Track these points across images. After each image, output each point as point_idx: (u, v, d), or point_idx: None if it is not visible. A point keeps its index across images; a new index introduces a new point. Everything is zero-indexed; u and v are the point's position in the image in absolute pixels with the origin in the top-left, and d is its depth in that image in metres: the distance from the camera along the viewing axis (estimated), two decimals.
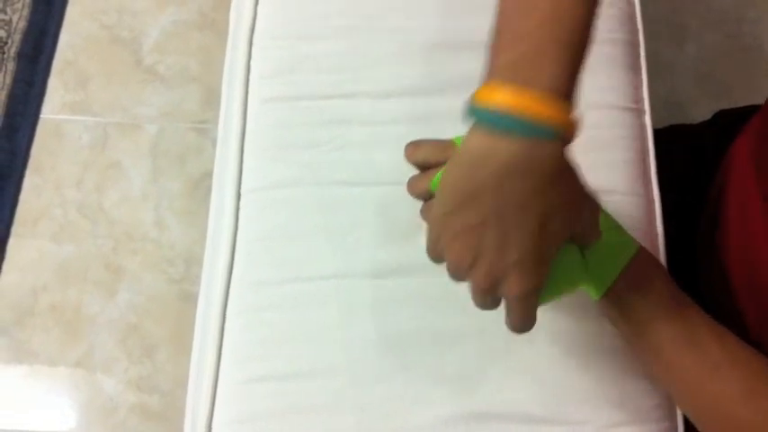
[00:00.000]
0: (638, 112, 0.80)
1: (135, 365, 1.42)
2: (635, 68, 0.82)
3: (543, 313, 0.69)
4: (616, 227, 0.57)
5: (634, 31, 0.84)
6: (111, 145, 1.57)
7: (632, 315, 0.56)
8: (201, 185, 1.51)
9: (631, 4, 0.85)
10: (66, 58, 1.66)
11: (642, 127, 0.80)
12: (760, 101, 0.77)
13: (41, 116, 1.60)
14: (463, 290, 0.70)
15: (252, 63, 0.81)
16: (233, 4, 0.85)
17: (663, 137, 0.90)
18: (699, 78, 1.72)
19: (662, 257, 0.74)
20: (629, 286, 0.55)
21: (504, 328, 0.68)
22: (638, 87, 0.82)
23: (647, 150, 0.79)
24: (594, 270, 0.55)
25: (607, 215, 0.57)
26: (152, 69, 1.63)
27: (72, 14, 1.69)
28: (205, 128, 1.54)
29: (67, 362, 1.44)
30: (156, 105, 1.60)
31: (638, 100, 0.81)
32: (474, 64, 0.81)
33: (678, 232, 0.81)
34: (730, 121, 0.85)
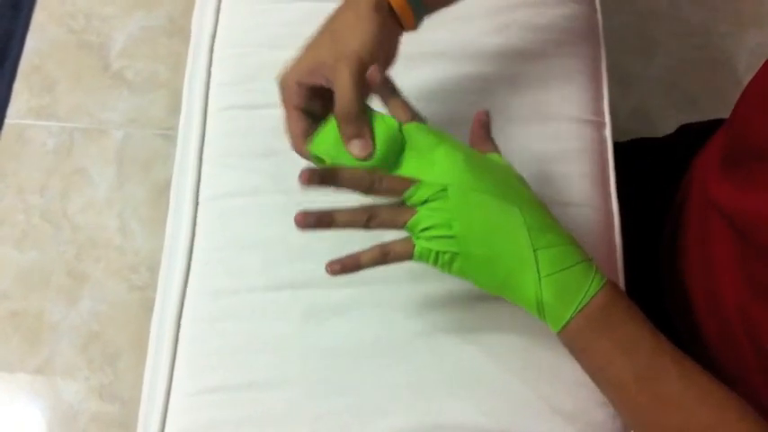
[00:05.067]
0: (598, 125, 0.81)
1: (96, 373, 1.40)
2: (596, 81, 0.83)
3: (497, 324, 0.69)
4: (585, 260, 0.55)
5: (596, 45, 0.85)
6: (76, 151, 1.55)
7: (594, 351, 0.54)
8: (167, 192, 1.48)
9: (594, 18, 0.86)
10: (32, 63, 1.64)
11: (602, 140, 0.80)
12: (725, 114, 0.78)
13: (6, 121, 1.58)
14: (420, 300, 0.70)
15: (213, 70, 0.81)
16: (195, 12, 0.84)
17: (626, 150, 0.91)
18: (667, 90, 1.73)
19: (620, 271, 0.74)
20: (590, 322, 0.53)
21: (458, 339, 0.68)
22: (598, 100, 0.82)
23: (607, 163, 0.79)
24: (553, 303, 0.53)
25: (576, 249, 0.55)
26: (119, 75, 1.62)
27: (39, 18, 1.67)
28: (171, 134, 1.53)
29: (28, 369, 1.42)
30: (123, 111, 1.58)
31: (599, 113, 0.81)
32: (434, 74, 0.82)
33: (641, 246, 0.82)
34: (694, 136, 0.86)
